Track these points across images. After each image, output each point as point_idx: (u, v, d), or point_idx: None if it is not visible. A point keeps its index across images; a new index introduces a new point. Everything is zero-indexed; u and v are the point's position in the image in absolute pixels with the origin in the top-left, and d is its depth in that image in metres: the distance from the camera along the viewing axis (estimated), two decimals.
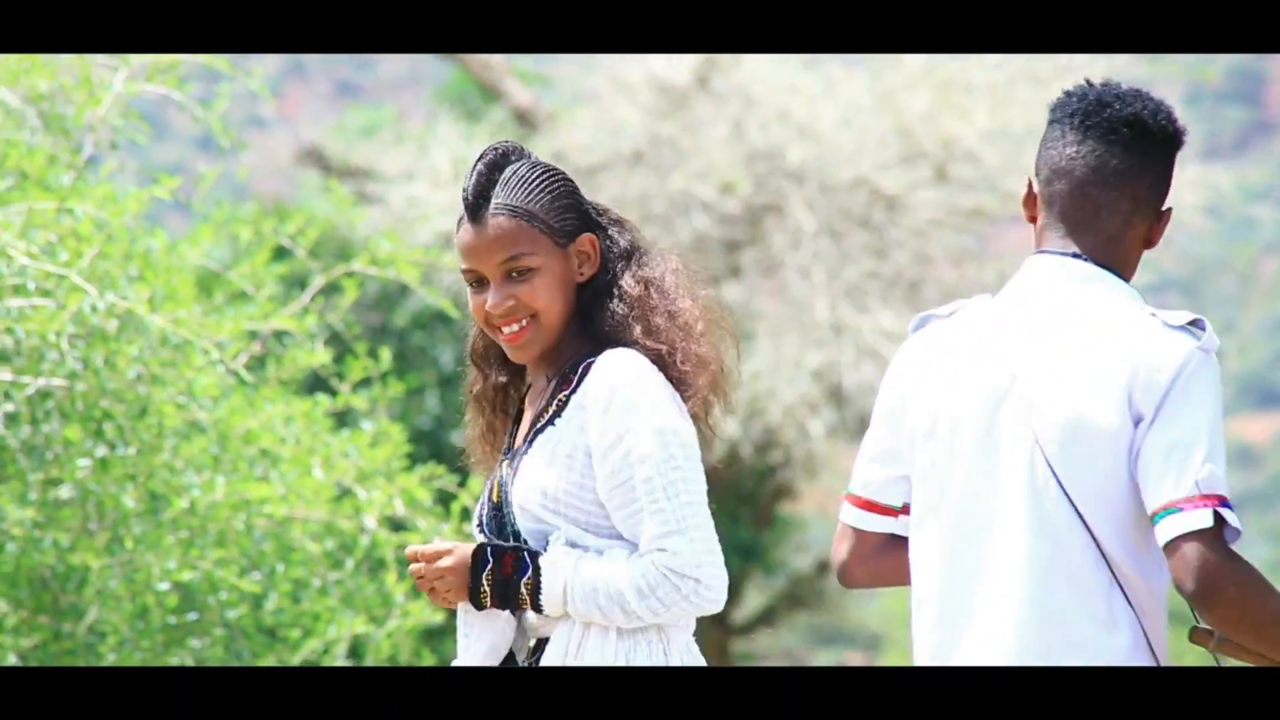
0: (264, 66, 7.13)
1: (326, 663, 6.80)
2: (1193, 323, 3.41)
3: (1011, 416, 3.44)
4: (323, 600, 6.80)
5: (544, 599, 3.51)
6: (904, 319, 15.12)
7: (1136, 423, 3.38)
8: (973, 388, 3.48)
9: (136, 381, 6.37)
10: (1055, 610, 3.38)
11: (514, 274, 3.60)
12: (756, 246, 15.67)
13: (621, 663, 3.50)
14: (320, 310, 7.47)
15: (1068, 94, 3.59)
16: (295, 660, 6.74)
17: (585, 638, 3.52)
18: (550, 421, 3.59)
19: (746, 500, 17.87)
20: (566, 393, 3.58)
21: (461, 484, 7.15)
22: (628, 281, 3.63)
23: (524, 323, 3.61)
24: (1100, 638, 3.38)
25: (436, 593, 3.59)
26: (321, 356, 7.09)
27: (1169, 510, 3.33)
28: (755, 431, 15.37)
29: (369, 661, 6.97)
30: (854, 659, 29.27)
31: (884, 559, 3.67)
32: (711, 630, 16.78)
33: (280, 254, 7.98)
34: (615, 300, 3.62)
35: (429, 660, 7.51)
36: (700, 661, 3.57)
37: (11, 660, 6.32)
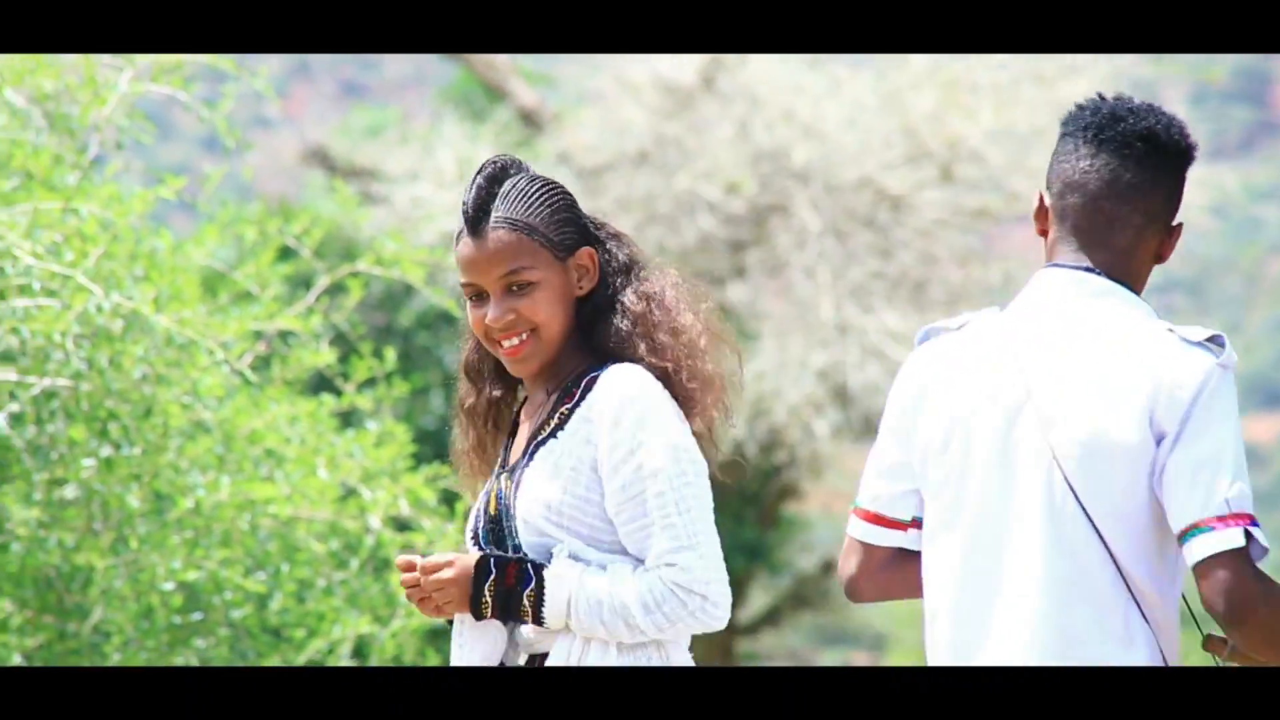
0: (269, 66, 7.13)
1: (331, 663, 6.80)
2: (1211, 339, 3.41)
3: (1028, 431, 3.43)
4: (328, 600, 6.81)
5: (546, 611, 3.50)
6: (909, 319, 15.13)
7: (1158, 440, 3.37)
8: (987, 401, 3.47)
9: (141, 381, 6.38)
10: (1073, 628, 3.38)
11: (514, 288, 3.60)
12: (761, 246, 15.67)
13: None
14: (325, 310, 7.48)
15: (1080, 107, 3.57)
16: (300, 660, 6.75)
17: (585, 652, 3.51)
18: (552, 434, 3.58)
19: (751, 500, 17.87)
20: (569, 406, 3.57)
21: None
22: (629, 297, 3.63)
23: (524, 336, 3.60)
24: (1118, 655, 3.37)
25: (429, 602, 3.58)
26: (326, 356, 7.10)
27: (1200, 529, 3.33)
28: (760, 431, 15.37)
29: (374, 661, 6.97)
30: (859, 659, 29.27)
31: (893, 573, 3.64)
32: (716, 631, 16.76)
33: (285, 254, 7.99)
34: (617, 316, 3.61)
35: (434, 660, 7.51)
36: None
37: (16, 660, 6.32)
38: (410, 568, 3.58)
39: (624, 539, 3.52)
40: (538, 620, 3.51)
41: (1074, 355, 3.44)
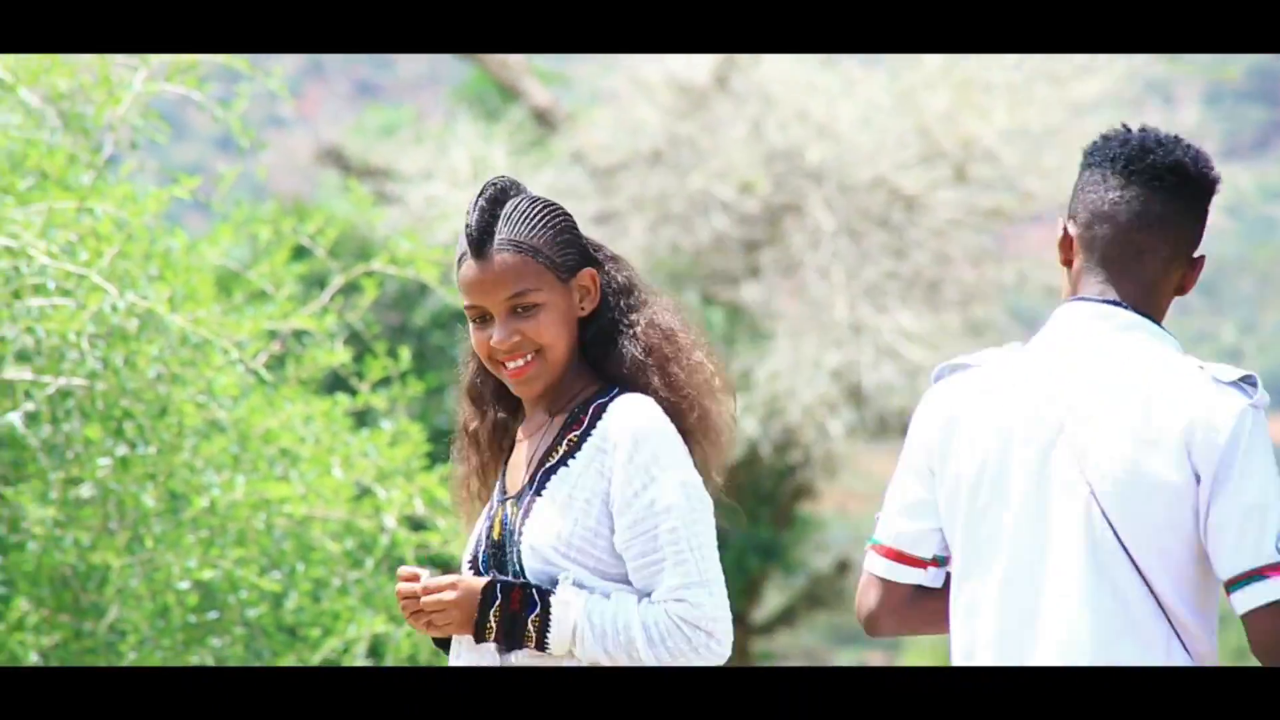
0: (283, 66, 7.15)
1: (346, 662, 6.81)
2: (1244, 379, 3.41)
3: (1063, 465, 3.42)
4: (343, 599, 6.81)
5: (551, 638, 3.50)
6: (923, 319, 15.13)
7: (1196, 480, 3.37)
8: (1019, 437, 3.45)
9: (156, 381, 6.38)
10: (1119, 662, 3.36)
11: (519, 309, 3.59)
12: (776, 246, 15.68)
13: None
14: (339, 310, 7.48)
15: (1105, 138, 3.56)
16: (315, 659, 6.75)
17: None
18: (562, 462, 3.58)
19: (766, 500, 17.85)
20: (577, 434, 3.58)
21: None
22: (639, 325, 3.64)
23: (529, 358, 3.60)
24: None
25: (422, 616, 3.57)
26: (341, 356, 7.10)
27: (1251, 579, 3.33)
28: (774, 431, 15.37)
29: (389, 661, 6.98)
30: (874, 659, 29.24)
31: (914, 609, 3.62)
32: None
33: (300, 253, 7.99)
34: (627, 341, 3.62)
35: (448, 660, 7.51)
36: None
37: (33, 659, 6.33)
38: (413, 579, 3.58)
39: (632, 574, 3.52)
40: (541, 646, 3.51)
41: (1105, 390, 3.43)
